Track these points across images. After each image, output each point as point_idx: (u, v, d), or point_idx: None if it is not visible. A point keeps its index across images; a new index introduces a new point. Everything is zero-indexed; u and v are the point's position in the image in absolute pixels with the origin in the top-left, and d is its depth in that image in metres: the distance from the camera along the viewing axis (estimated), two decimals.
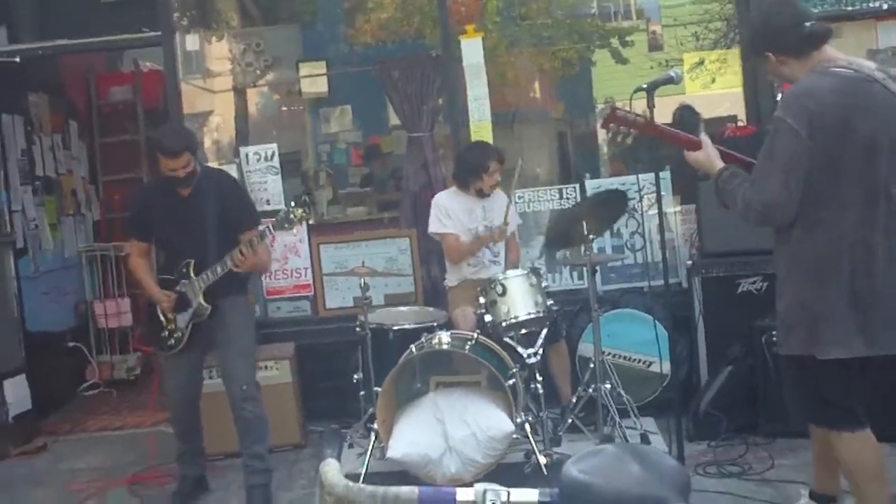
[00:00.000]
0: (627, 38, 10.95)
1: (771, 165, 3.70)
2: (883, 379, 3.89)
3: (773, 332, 5.52)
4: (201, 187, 5.56)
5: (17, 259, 7.74)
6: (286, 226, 5.33)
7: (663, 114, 4.96)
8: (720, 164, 3.95)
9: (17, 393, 7.25)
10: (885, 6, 6.54)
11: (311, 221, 5.57)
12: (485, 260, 6.45)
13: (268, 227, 5.39)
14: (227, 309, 5.61)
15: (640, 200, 6.89)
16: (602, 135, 10.28)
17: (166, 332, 5.64)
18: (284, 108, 10.99)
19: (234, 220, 5.56)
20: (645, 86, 4.57)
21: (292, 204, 5.35)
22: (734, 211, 3.85)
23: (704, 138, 4.05)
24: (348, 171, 10.20)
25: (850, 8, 6.55)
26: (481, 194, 6.42)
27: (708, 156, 4.00)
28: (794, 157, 3.64)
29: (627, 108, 4.19)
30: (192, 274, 5.51)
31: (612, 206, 6.13)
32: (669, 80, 4.66)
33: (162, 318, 5.64)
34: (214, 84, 9.87)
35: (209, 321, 5.57)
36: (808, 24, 3.80)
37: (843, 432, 3.86)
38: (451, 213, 6.44)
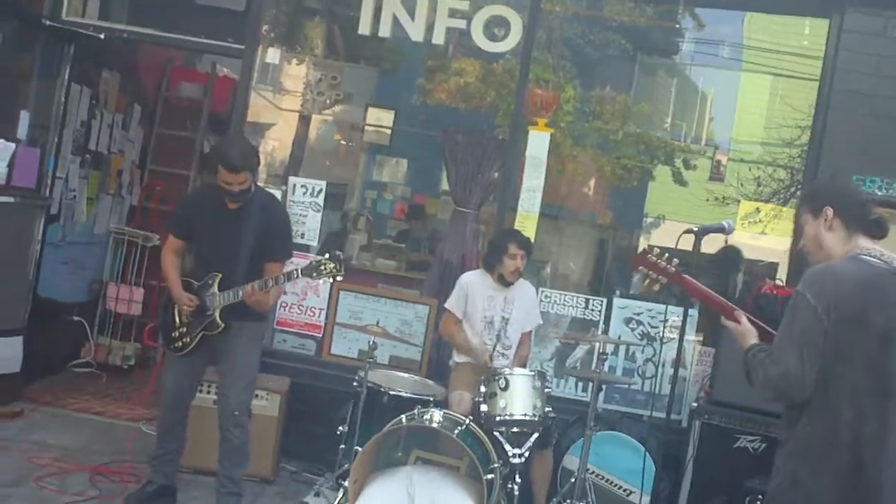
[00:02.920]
0: (692, 162, 10.98)
1: (788, 339, 3.67)
2: None
3: (759, 496, 5.48)
4: (250, 207, 5.61)
5: (48, 224, 7.82)
6: (314, 275, 5.41)
7: (705, 248, 4.91)
8: (753, 341, 3.91)
9: (10, 353, 7.30)
10: None
11: (339, 279, 5.48)
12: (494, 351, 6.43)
13: (297, 269, 5.44)
14: (240, 333, 5.68)
15: (664, 330, 6.86)
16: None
17: (177, 333, 5.73)
18: (343, 144, 11.04)
19: (269, 247, 5.62)
20: (695, 229, 4.56)
21: (327, 256, 5.41)
22: (756, 384, 3.81)
23: (741, 315, 4.01)
24: (387, 223, 10.23)
25: None
26: (503, 281, 6.42)
27: (744, 331, 3.97)
28: (810, 332, 3.61)
29: (658, 254, 4.15)
30: (216, 287, 5.60)
31: None
32: (721, 230, 4.66)
33: (177, 318, 5.73)
34: (283, 102, 9.94)
35: (219, 337, 5.65)
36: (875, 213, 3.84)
37: None
38: (469, 296, 6.47)
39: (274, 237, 5.67)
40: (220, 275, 5.60)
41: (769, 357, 3.73)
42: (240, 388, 5.69)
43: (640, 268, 4.16)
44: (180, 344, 5.71)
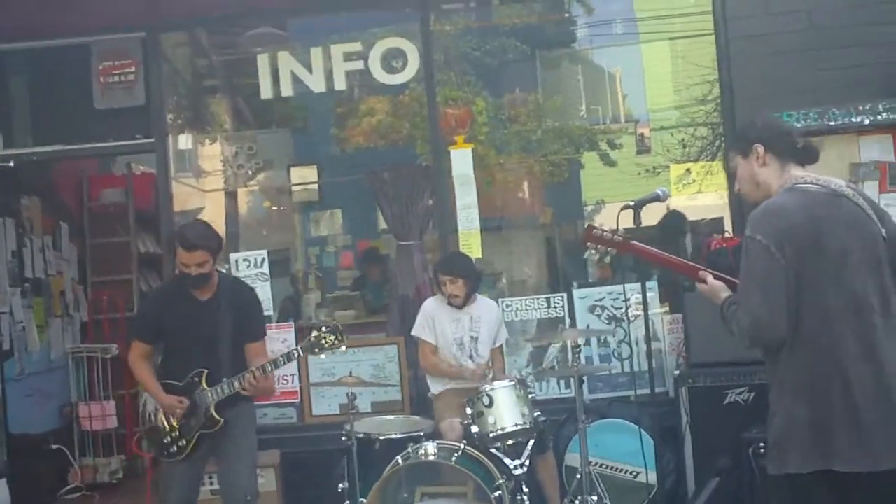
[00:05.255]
0: (616, 142, 11.07)
1: (749, 285, 3.71)
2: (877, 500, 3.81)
3: (761, 444, 5.51)
4: (220, 294, 5.50)
5: (3, 361, 7.74)
6: (316, 350, 5.30)
7: (648, 219, 4.97)
8: (724, 295, 3.94)
9: None
10: (866, 121, 6.63)
11: (343, 349, 5.39)
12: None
13: (297, 348, 5.36)
14: (240, 416, 5.55)
15: (627, 310, 6.91)
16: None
17: (168, 438, 5.50)
18: (275, 209, 11.03)
19: (246, 329, 5.50)
20: (632, 203, 4.61)
21: (324, 329, 5.31)
22: (735, 336, 3.84)
23: (706, 275, 4.02)
24: (337, 275, 10.22)
25: (832, 123, 6.65)
26: (455, 304, 6.46)
27: (712, 288, 4.01)
28: (769, 273, 3.64)
29: (604, 227, 4.21)
30: (204, 384, 5.40)
31: None
32: (656, 199, 4.70)
33: (164, 423, 5.51)
34: (206, 184, 9.92)
35: (217, 431, 5.47)
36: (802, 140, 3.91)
37: None
38: (436, 321, 6.49)
39: (249, 318, 5.55)
40: (206, 370, 5.40)
41: (738, 306, 3.77)
42: (248, 472, 5.58)
43: (589, 244, 4.21)
44: (176, 448, 5.47)
